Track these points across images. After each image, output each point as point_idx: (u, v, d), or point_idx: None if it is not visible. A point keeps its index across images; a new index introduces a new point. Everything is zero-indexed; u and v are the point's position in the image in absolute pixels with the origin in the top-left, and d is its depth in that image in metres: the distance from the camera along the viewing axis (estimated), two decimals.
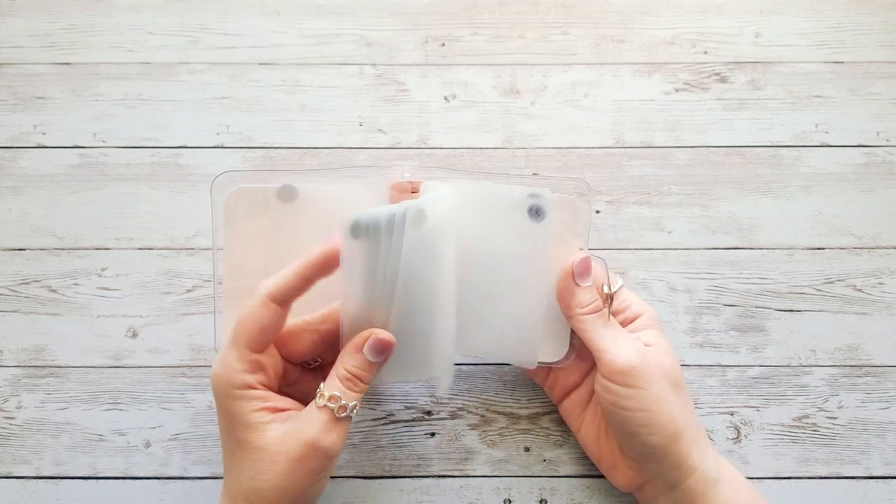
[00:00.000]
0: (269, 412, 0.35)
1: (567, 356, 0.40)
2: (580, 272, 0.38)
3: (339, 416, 0.35)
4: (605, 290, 0.38)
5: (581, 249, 0.40)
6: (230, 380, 0.35)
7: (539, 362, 0.40)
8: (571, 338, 0.40)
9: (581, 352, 0.41)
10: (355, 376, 0.35)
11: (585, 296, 0.38)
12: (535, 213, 0.38)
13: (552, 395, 0.43)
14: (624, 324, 0.40)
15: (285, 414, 0.35)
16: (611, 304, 0.38)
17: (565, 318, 0.39)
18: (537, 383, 0.44)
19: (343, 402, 0.35)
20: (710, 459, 0.38)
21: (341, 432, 0.35)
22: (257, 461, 0.34)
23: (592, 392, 0.41)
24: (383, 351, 0.35)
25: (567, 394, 0.42)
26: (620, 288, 0.39)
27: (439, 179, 0.39)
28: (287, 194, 0.39)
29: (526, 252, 0.38)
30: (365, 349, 0.35)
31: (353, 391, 0.35)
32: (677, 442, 0.37)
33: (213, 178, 0.47)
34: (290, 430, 0.34)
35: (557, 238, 0.39)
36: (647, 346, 0.38)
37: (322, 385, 0.35)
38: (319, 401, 0.35)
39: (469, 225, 0.38)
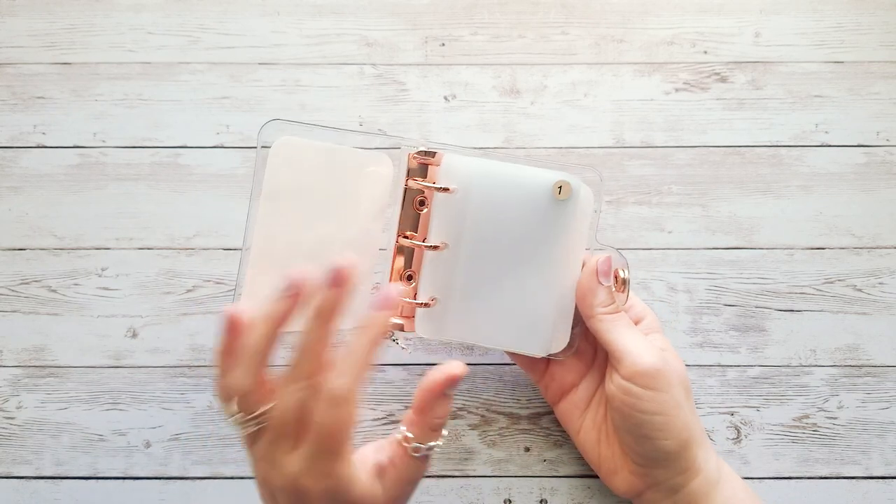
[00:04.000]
0: (366, 469, 0.34)
1: (567, 349, 0.40)
2: (604, 270, 0.38)
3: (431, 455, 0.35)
4: (621, 274, 0.38)
5: (588, 249, 0.39)
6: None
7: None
8: (572, 332, 0.39)
9: (579, 352, 0.40)
10: (442, 418, 0.35)
11: (607, 295, 0.38)
12: (562, 193, 0.37)
13: (547, 394, 0.42)
14: None
15: (375, 467, 0.34)
16: (627, 291, 0.38)
17: (582, 315, 0.38)
18: (533, 381, 0.43)
19: (438, 446, 0.35)
20: (712, 461, 0.38)
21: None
22: None
23: (592, 394, 0.41)
24: (456, 382, 0.35)
25: (563, 395, 0.41)
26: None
27: (460, 154, 0.38)
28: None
29: (545, 237, 0.37)
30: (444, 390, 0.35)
31: (441, 433, 0.35)
32: (688, 447, 0.36)
33: (212, 177, 0.47)
34: (394, 480, 0.34)
35: (575, 227, 0.38)
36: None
37: (411, 434, 0.35)
38: (416, 454, 0.34)
39: (488, 204, 0.37)
